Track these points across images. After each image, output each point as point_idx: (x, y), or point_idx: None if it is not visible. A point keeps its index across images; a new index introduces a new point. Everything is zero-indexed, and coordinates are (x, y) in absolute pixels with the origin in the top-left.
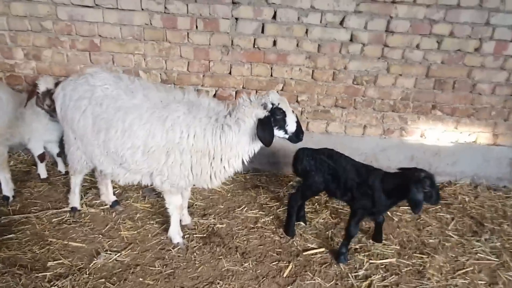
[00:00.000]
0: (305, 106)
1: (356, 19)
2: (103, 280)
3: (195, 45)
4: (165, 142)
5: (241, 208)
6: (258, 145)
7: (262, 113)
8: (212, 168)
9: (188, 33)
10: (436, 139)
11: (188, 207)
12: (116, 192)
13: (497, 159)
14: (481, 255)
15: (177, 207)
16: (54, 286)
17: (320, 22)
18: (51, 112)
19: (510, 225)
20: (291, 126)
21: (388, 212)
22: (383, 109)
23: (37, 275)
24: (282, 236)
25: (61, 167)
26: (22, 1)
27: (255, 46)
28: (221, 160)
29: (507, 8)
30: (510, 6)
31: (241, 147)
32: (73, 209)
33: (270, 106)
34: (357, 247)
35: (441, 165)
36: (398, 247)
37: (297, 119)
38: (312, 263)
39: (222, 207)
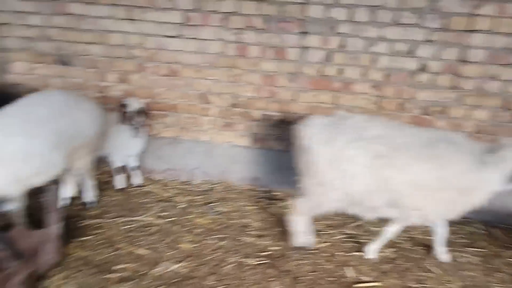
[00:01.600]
0: None
1: (427, 48)
2: (163, 287)
3: (263, 72)
4: (437, 180)
5: None
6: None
7: None
8: (461, 203)
9: (258, 61)
10: None
11: (245, 226)
12: (180, 206)
13: None
14: None
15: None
16: (120, 287)
17: (388, 51)
18: (136, 130)
19: None
20: None
21: None
22: None
23: (104, 276)
24: (336, 263)
25: (134, 180)
26: (118, 32)
27: (321, 74)
28: (472, 195)
29: None
30: None
31: (491, 186)
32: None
33: None
34: None
35: None
36: None
37: None
38: None
39: (279, 229)
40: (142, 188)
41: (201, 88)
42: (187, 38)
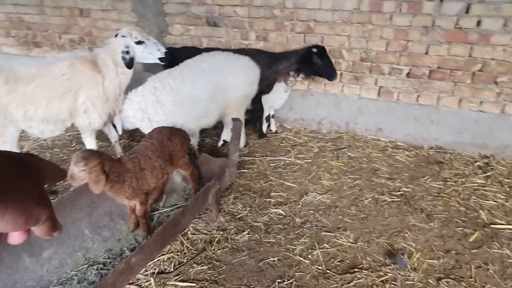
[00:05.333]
0: (503, 87)
1: None
2: (312, 211)
3: (396, 26)
4: None
5: (425, 178)
6: None
7: None
8: None
9: (391, 16)
10: None
11: (376, 170)
12: (313, 150)
13: None
14: None
15: None
16: (278, 208)
17: None
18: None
19: None
20: None
21: None
22: None
23: (265, 199)
24: (468, 207)
25: (272, 127)
26: None
27: (457, 27)
28: None
29: None
30: None
31: None
32: None
33: None
34: None
35: None
36: None
37: None
38: (500, 236)
39: (406, 175)
40: (277, 134)
41: (334, 43)
42: None
